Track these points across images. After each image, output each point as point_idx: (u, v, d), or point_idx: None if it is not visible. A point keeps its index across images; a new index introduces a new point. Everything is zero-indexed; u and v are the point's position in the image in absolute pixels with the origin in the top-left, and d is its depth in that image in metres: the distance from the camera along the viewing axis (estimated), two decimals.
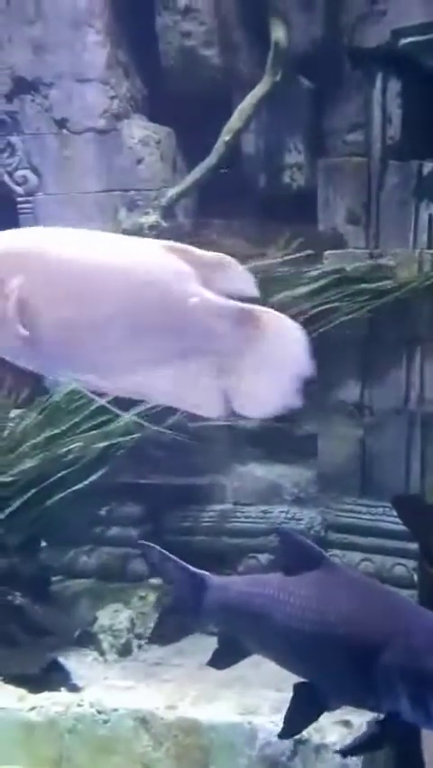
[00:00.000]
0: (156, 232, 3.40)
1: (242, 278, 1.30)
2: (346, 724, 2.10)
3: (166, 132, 3.67)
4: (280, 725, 1.99)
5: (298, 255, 3.40)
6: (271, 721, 2.30)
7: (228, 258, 1.31)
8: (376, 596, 1.66)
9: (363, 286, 3.34)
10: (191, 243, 1.35)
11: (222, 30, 3.48)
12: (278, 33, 3.23)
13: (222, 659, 1.84)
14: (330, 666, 1.60)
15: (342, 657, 1.57)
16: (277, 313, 1.29)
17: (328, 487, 3.52)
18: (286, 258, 3.41)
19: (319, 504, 3.52)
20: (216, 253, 1.31)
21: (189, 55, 3.52)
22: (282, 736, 1.76)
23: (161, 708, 2.41)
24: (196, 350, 1.26)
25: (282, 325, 1.28)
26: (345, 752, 1.73)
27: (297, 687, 1.65)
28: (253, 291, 1.30)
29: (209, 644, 2.68)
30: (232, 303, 1.27)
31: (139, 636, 3.13)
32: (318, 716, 1.67)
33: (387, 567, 3.32)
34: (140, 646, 3.09)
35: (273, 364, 1.26)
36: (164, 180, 3.59)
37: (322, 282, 3.34)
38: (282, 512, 3.48)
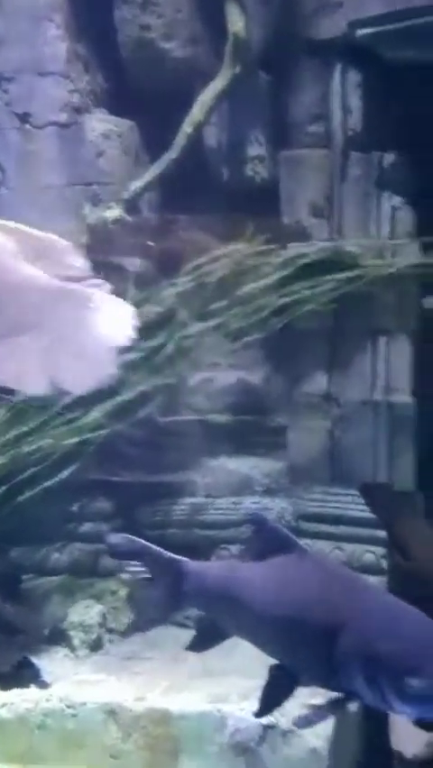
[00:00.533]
0: (120, 226, 3.40)
1: (73, 258, 1.34)
2: (312, 707, 2.12)
3: (128, 125, 3.66)
4: (250, 711, 2.03)
5: (263, 249, 3.42)
6: (240, 708, 2.32)
7: (60, 239, 1.34)
8: (340, 581, 1.70)
9: (329, 276, 3.37)
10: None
11: (181, 22, 3.49)
12: (236, 25, 3.25)
13: (200, 642, 1.89)
14: (297, 647, 1.65)
15: (307, 639, 1.61)
16: (104, 293, 1.32)
17: (299, 477, 3.55)
18: (251, 251, 3.43)
19: (290, 494, 3.55)
20: (47, 234, 1.35)
21: (149, 48, 3.51)
22: (258, 715, 1.81)
23: (131, 699, 2.42)
24: (23, 327, 1.28)
25: (108, 304, 1.31)
26: (300, 725, 1.77)
27: (271, 668, 1.70)
28: (85, 271, 1.34)
29: (181, 636, 2.71)
30: (59, 282, 1.30)
31: (111, 631, 3.13)
32: (290, 694, 1.71)
33: (357, 555, 3.35)
34: (111, 641, 3.09)
35: (96, 341, 1.29)
36: (127, 174, 3.58)
37: (287, 272, 3.36)
38: (253, 503, 3.50)
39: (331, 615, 1.56)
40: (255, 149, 3.55)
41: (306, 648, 1.61)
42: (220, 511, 3.55)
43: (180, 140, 3.39)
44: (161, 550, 1.83)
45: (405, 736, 2.30)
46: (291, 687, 1.69)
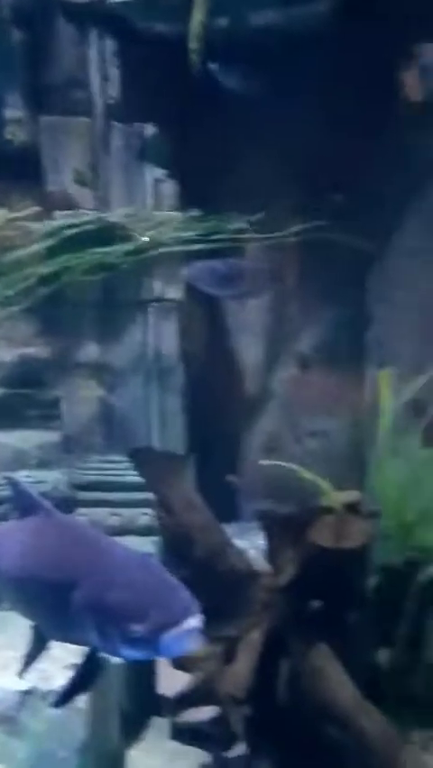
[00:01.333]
0: None
1: None
2: (73, 667, 2.17)
3: None
4: (8, 680, 2.03)
5: (27, 212, 3.33)
6: None
7: None
8: (80, 539, 1.76)
9: (96, 249, 3.37)
10: None
11: None
12: None
13: None
14: (41, 606, 1.68)
15: (48, 596, 1.65)
16: None
17: (73, 447, 3.55)
18: (16, 215, 3.32)
19: (65, 465, 3.55)
20: None
21: None
22: (19, 675, 1.83)
23: None
24: None
25: None
26: (60, 702, 1.81)
27: (32, 629, 1.75)
28: None
29: None
30: None
31: None
32: (41, 651, 1.74)
33: (132, 518, 3.45)
34: None
35: None
36: None
37: (53, 241, 3.31)
38: (27, 477, 3.45)
39: (68, 571, 1.62)
40: (12, 111, 3.41)
41: (48, 605, 1.66)
42: None
43: None
44: None
45: (168, 678, 2.44)
46: (42, 644, 1.74)
